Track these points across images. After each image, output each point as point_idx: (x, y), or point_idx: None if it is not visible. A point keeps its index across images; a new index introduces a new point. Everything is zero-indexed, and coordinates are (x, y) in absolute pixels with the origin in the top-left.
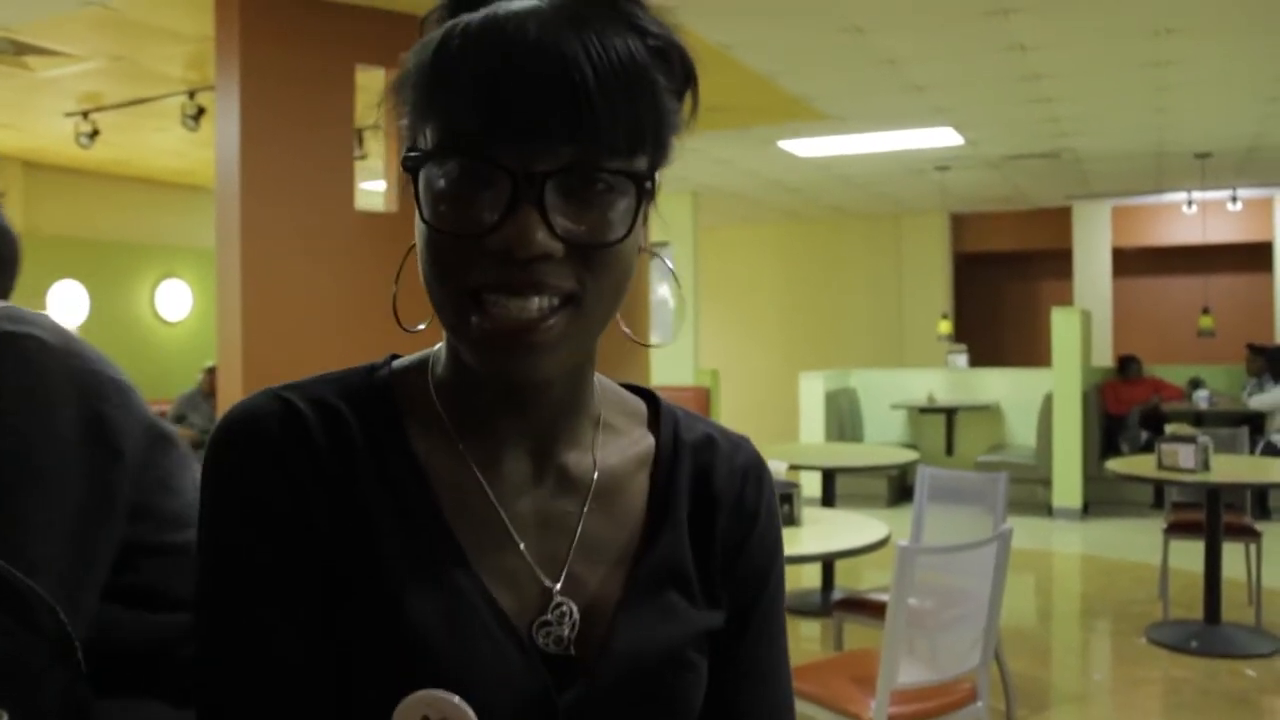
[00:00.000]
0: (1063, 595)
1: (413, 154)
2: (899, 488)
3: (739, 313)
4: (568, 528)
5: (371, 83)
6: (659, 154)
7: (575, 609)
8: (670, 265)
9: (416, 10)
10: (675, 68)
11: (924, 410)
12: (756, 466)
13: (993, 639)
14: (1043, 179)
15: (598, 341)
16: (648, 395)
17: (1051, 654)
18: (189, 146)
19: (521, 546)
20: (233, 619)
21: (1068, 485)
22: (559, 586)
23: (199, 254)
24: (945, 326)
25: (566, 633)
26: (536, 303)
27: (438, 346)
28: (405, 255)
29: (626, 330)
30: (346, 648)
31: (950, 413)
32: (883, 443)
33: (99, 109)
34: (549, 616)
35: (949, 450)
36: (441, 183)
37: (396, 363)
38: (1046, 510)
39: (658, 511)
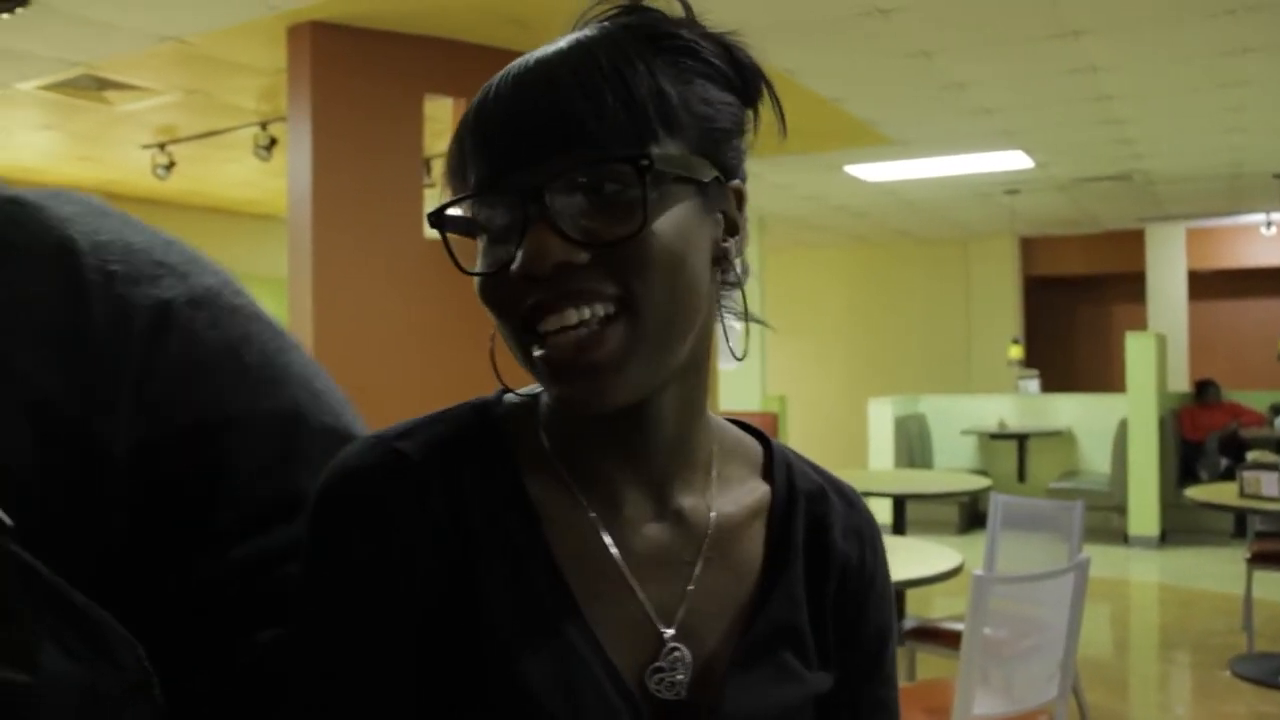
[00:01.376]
0: (1140, 626)
1: (433, 213)
2: (970, 514)
3: (806, 337)
4: (683, 574)
5: (439, 112)
6: (707, 149)
7: (689, 655)
8: (740, 269)
9: (484, 40)
10: (725, 70)
11: (995, 436)
12: (870, 525)
13: (1070, 670)
14: (1114, 201)
15: (699, 381)
16: (759, 436)
17: (1130, 687)
18: (260, 176)
19: (638, 592)
20: (325, 688)
21: (1144, 513)
22: (671, 632)
23: (270, 282)
24: (1016, 351)
25: (680, 677)
26: (575, 315)
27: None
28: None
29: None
30: (453, 703)
31: (1022, 439)
32: (952, 469)
33: (174, 141)
34: (663, 663)
35: (1020, 477)
36: (464, 235)
37: (507, 397)
38: (1122, 538)
39: (774, 566)
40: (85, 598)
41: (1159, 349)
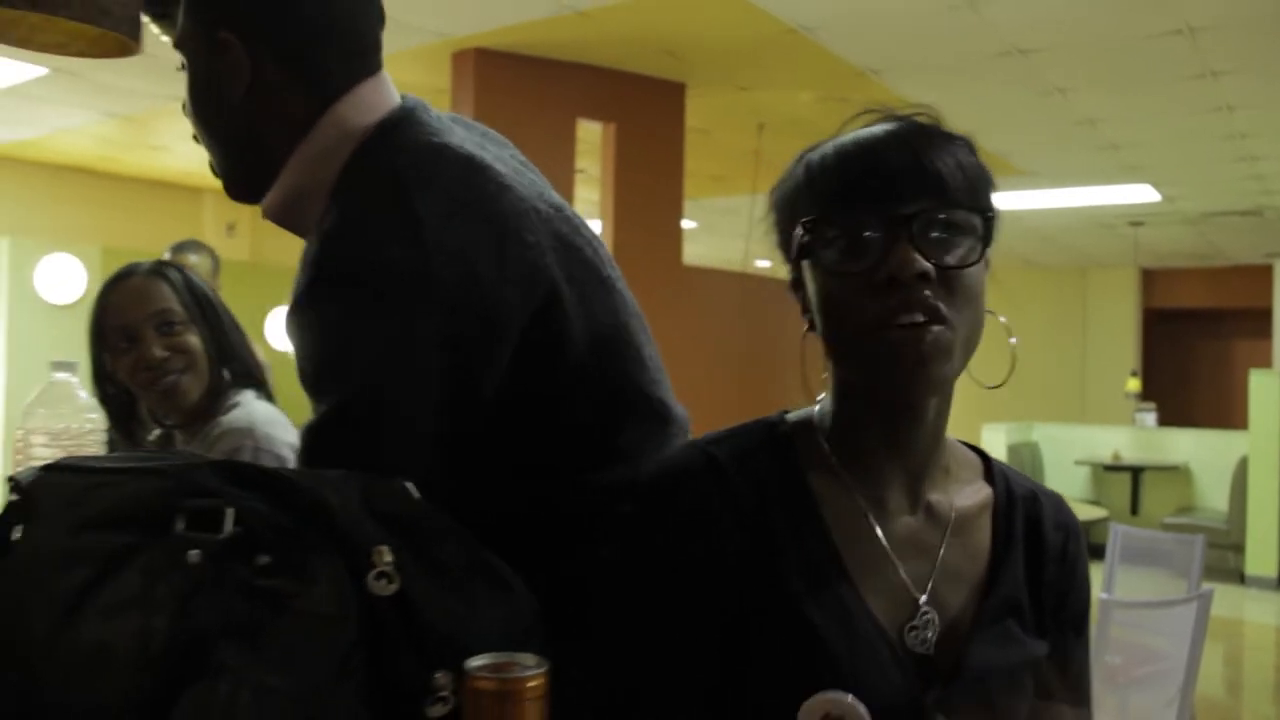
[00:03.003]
0: (1256, 667)
1: (806, 224)
2: None
3: None
4: (931, 555)
5: (589, 135)
6: (989, 227)
7: (938, 618)
8: (1003, 319)
9: (634, 69)
10: (987, 176)
11: (1109, 468)
12: (1074, 524)
13: (1189, 701)
14: (1242, 236)
15: (949, 400)
16: (979, 452)
17: None
18: None
19: (898, 567)
20: (645, 647)
21: (1263, 552)
22: (925, 599)
23: None
24: (1134, 384)
25: (930, 636)
26: (921, 316)
27: (817, 407)
28: (802, 341)
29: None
30: (755, 656)
31: (1136, 471)
32: (1065, 499)
33: None
34: (917, 623)
35: (1134, 510)
36: (832, 243)
37: (789, 416)
38: (1239, 578)
39: (1000, 550)
40: (496, 557)
41: None
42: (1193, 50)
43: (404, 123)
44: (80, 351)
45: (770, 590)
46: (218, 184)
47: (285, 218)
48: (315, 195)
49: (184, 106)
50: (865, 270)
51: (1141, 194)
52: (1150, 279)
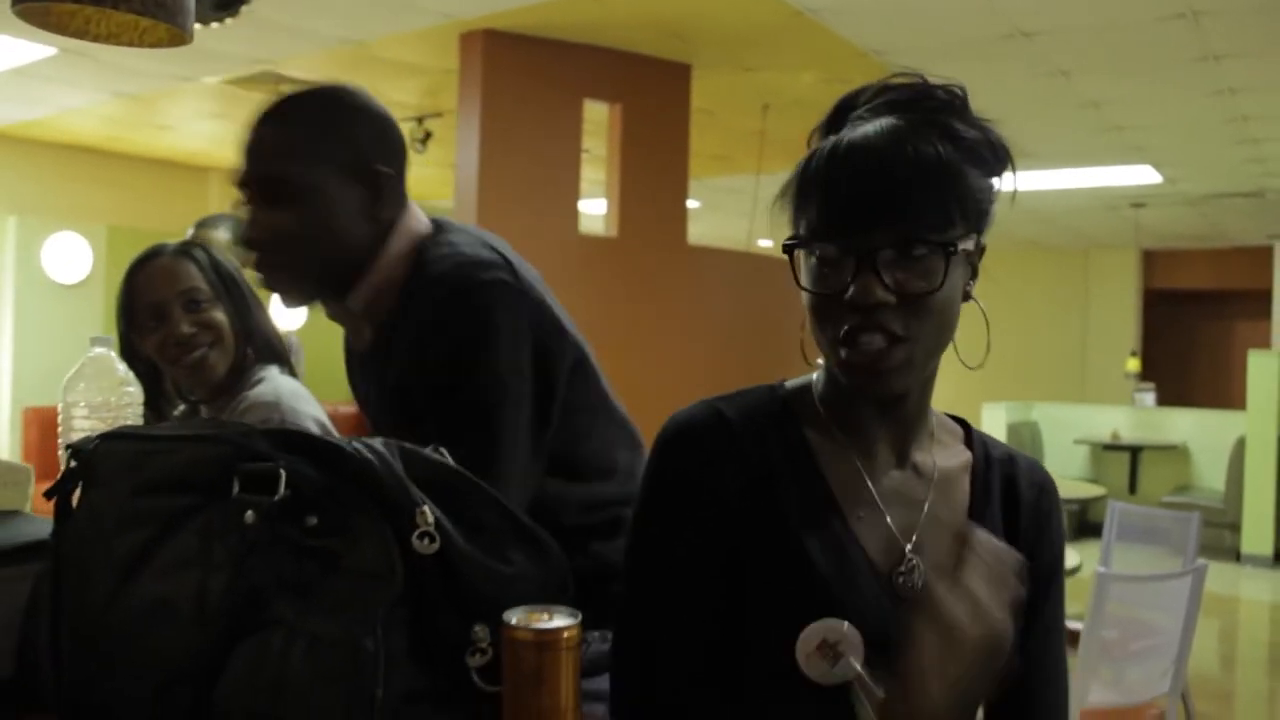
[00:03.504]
0: (1250, 642)
1: (790, 241)
2: (1078, 523)
3: None
4: (916, 508)
5: (596, 115)
6: (973, 223)
7: (923, 565)
8: (982, 306)
9: (642, 50)
10: (987, 156)
11: (1108, 447)
12: (1048, 483)
13: (1183, 669)
14: (1244, 217)
15: (933, 378)
16: (960, 421)
17: (1236, 699)
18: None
19: (887, 517)
20: (662, 576)
21: (1259, 531)
22: (910, 547)
23: None
24: (1134, 364)
25: (916, 580)
26: (879, 339)
27: (816, 374)
28: (805, 313)
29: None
30: (757, 591)
31: (1135, 451)
32: (1063, 478)
33: None
34: (904, 568)
35: (1132, 489)
36: (813, 261)
37: (788, 383)
38: (1234, 556)
39: (979, 505)
40: (529, 520)
41: None
42: (1195, 33)
43: (446, 228)
44: (85, 328)
45: (770, 528)
46: (225, 162)
47: (370, 308)
48: (390, 290)
49: (245, 238)
50: (834, 293)
51: (1143, 175)
52: (1151, 260)
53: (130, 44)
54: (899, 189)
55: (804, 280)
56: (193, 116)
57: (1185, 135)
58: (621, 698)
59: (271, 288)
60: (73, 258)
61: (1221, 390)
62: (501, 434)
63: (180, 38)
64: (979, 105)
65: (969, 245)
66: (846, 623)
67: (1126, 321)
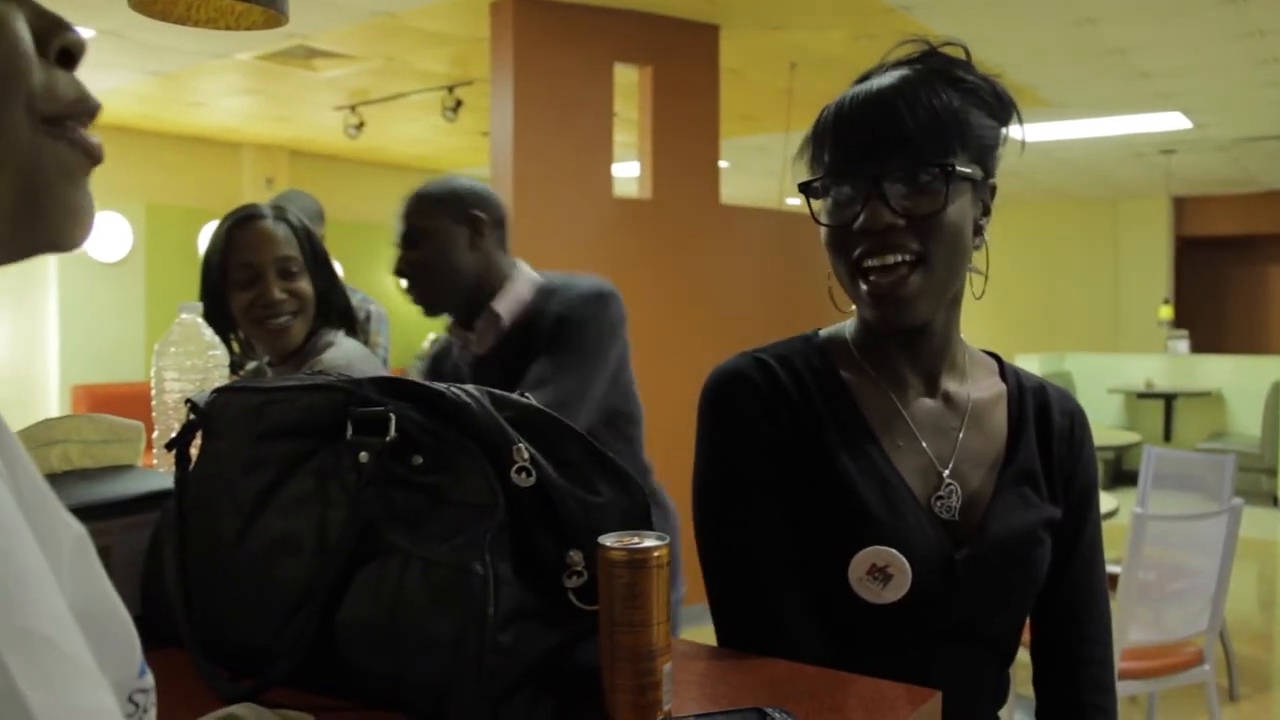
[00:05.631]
0: None
1: (804, 183)
2: (1114, 471)
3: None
4: (951, 437)
5: (627, 79)
6: (975, 156)
7: (960, 490)
8: (983, 239)
9: (671, 13)
10: (990, 101)
11: (1142, 395)
12: (1079, 410)
13: (1221, 606)
14: (1276, 161)
15: (956, 310)
16: (993, 355)
17: (1275, 640)
18: (433, 134)
19: (924, 444)
20: (731, 508)
21: None
22: (948, 472)
23: None
24: (1166, 311)
25: (955, 504)
26: (891, 258)
27: (848, 323)
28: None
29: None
30: (809, 520)
31: (1169, 398)
32: (1099, 426)
33: (365, 103)
34: (942, 493)
35: (1167, 436)
36: (823, 200)
37: (821, 331)
38: (1271, 500)
39: (1015, 433)
40: (610, 453)
41: None
42: None
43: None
44: (128, 304)
45: (817, 463)
46: (256, 138)
47: (493, 321)
48: (519, 309)
49: (408, 275)
50: (845, 222)
51: (1172, 122)
52: (1182, 207)
53: (227, 27)
54: (901, 124)
55: (822, 217)
56: (224, 93)
57: (1214, 79)
58: (731, 636)
59: (416, 303)
60: (113, 237)
61: (1256, 336)
62: (588, 385)
63: (276, 20)
64: (1007, 56)
65: (969, 171)
66: (893, 549)
67: (1158, 269)
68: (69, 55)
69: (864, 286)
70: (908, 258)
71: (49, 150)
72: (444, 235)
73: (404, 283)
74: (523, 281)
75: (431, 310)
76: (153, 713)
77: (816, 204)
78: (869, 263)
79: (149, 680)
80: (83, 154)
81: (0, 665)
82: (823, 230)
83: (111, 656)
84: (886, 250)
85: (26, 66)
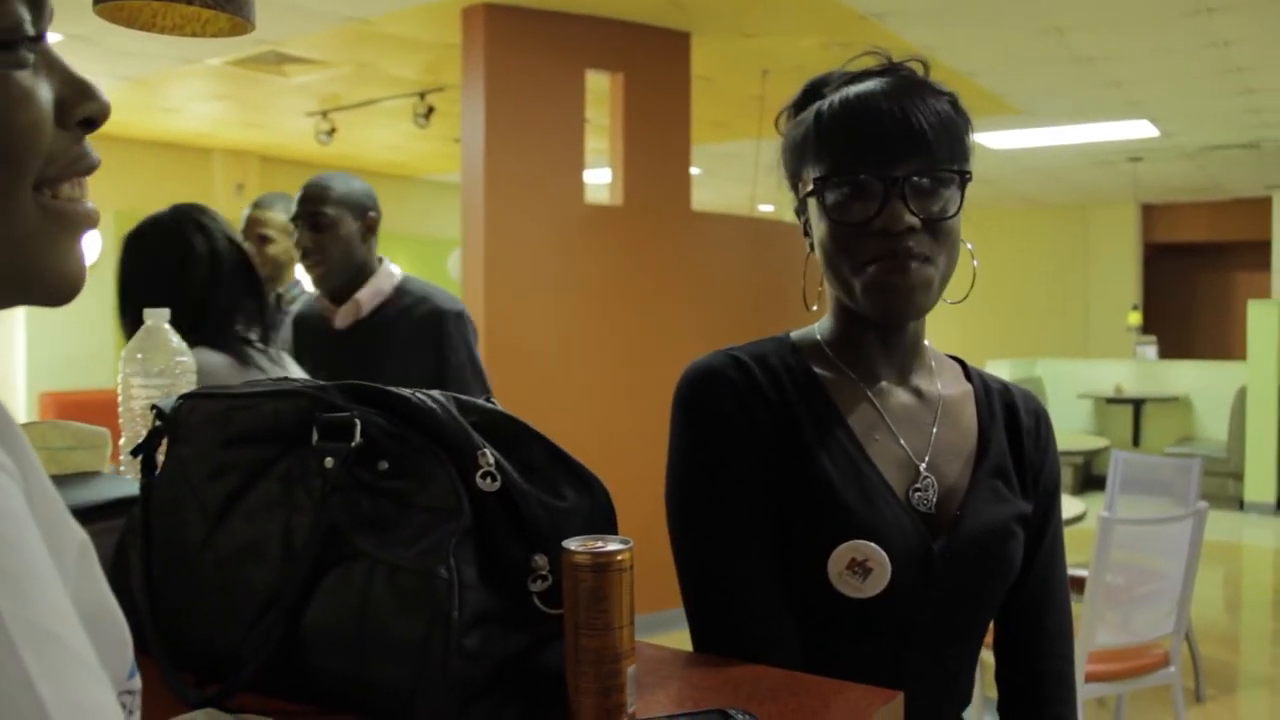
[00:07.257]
0: (1254, 587)
1: (820, 176)
2: (1083, 476)
3: None
4: (925, 431)
5: (599, 85)
6: (967, 163)
7: (936, 482)
8: (970, 245)
9: (642, 19)
10: (958, 111)
11: (1111, 401)
12: (1044, 411)
13: (1186, 608)
14: (1241, 169)
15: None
16: (956, 359)
17: (1240, 641)
18: (405, 140)
19: (900, 438)
20: (706, 505)
21: (1261, 479)
22: (925, 465)
23: (405, 239)
24: (1135, 317)
25: (931, 497)
26: (911, 265)
27: (818, 324)
28: (805, 261)
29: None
30: (788, 515)
31: (1138, 404)
32: (1067, 431)
33: (337, 109)
34: (920, 485)
35: (1135, 441)
36: (835, 196)
37: (792, 333)
38: (1238, 504)
39: (985, 430)
40: (576, 459)
41: None
42: None
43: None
44: (97, 312)
45: (794, 458)
46: (227, 143)
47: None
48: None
49: (311, 253)
50: (863, 221)
51: (1140, 130)
52: (1150, 214)
53: (193, 34)
54: (920, 124)
55: (825, 213)
56: (195, 98)
57: (1181, 88)
58: (704, 634)
59: (313, 278)
60: None
61: (1222, 341)
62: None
63: (242, 27)
64: (977, 64)
65: (970, 179)
66: (873, 543)
67: (1127, 276)
68: (90, 123)
69: (870, 271)
70: (921, 257)
71: (47, 217)
72: (345, 227)
73: (305, 258)
74: (385, 277)
75: (320, 284)
76: (138, 715)
77: (826, 203)
78: (885, 264)
79: (137, 683)
80: (80, 219)
81: (16, 657)
82: (824, 226)
83: (107, 657)
84: (902, 253)
85: (42, 142)
